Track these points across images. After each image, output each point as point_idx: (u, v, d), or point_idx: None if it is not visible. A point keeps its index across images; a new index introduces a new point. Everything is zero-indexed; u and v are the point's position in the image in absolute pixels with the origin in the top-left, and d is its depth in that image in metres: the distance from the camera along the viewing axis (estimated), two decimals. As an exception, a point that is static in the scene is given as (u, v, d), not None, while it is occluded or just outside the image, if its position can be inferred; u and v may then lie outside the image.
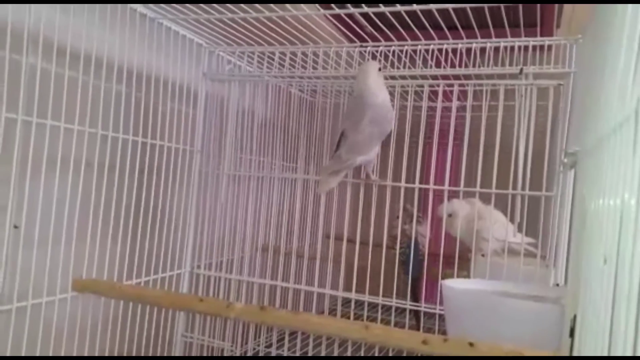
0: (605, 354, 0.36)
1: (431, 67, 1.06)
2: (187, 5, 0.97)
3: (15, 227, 0.80)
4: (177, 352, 1.20)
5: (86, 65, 0.88)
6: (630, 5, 0.35)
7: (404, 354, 1.13)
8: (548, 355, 0.56)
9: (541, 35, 1.01)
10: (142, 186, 1.02)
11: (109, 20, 0.92)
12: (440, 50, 1.03)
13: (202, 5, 0.97)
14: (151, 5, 0.99)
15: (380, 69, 1.01)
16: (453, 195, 1.08)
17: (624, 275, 0.32)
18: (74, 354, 0.90)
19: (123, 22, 0.95)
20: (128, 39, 0.96)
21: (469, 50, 1.02)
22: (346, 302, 1.17)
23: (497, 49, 1.00)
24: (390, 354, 1.15)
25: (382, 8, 0.90)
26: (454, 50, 1.03)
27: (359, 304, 1.13)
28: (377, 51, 1.09)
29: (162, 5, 0.98)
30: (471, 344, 0.59)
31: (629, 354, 0.31)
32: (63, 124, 0.84)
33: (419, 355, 0.70)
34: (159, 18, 1.03)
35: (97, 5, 0.90)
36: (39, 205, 0.81)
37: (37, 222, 0.81)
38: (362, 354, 1.15)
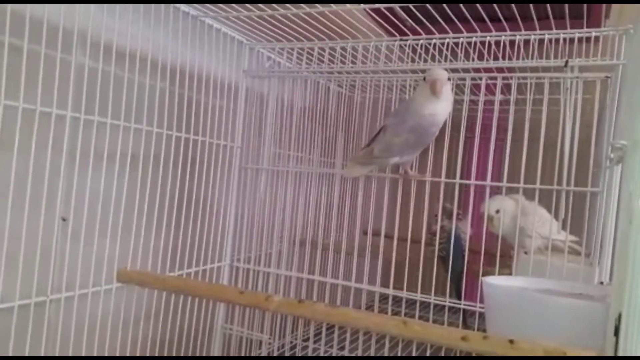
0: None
1: (473, 60, 1.04)
2: (229, 3, 0.99)
3: (63, 219, 0.83)
4: (216, 343, 1.22)
5: (131, 63, 0.90)
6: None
7: (442, 354, 1.12)
8: (592, 355, 0.54)
9: (588, 27, 0.98)
10: (185, 181, 1.05)
11: (153, 19, 0.94)
12: (482, 43, 1.01)
13: (242, 3, 0.98)
14: (194, 4, 1.01)
15: (424, 78, 0.97)
16: (495, 191, 1.06)
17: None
18: (118, 343, 0.93)
19: (166, 20, 0.97)
20: (171, 37, 0.98)
21: (512, 42, 0.99)
22: (383, 298, 1.17)
23: (541, 41, 0.97)
24: (428, 353, 1.14)
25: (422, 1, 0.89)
26: (497, 43, 1.00)
27: (397, 300, 1.12)
28: (417, 45, 1.07)
29: (205, 3, 0.99)
30: (511, 342, 0.58)
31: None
32: (109, 120, 0.87)
33: (456, 355, 0.69)
34: (201, 16, 1.05)
35: (142, 5, 0.92)
36: (86, 199, 0.85)
37: (85, 215, 0.85)
38: (400, 351, 1.14)
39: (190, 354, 1.12)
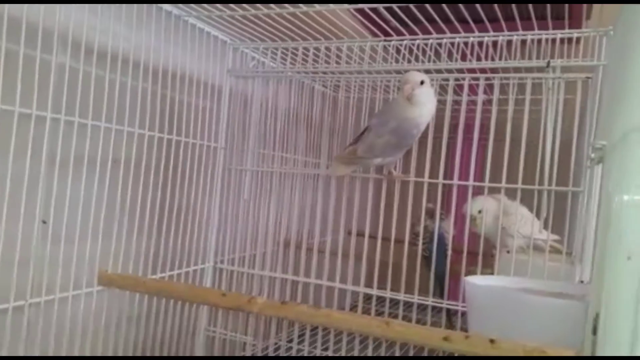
0: (628, 352, 0.35)
1: (456, 60, 1.05)
2: (212, 2, 0.98)
3: (44, 222, 0.82)
4: (199, 346, 1.21)
5: (113, 63, 0.89)
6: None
7: (425, 354, 1.12)
8: (571, 355, 0.55)
9: (569, 28, 0.99)
10: (168, 182, 1.04)
11: (135, 19, 0.93)
12: (465, 44, 1.02)
13: (226, 2, 0.97)
14: (177, 4, 1.00)
15: (422, 82, 0.96)
16: (477, 191, 1.07)
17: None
18: (100, 346, 0.92)
19: (149, 20, 0.96)
20: (154, 37, 0.97)
21: (495, 43, 1.00)
22: (368, 298, 1.17)
23: (524, 42, 0.98)
24: (411, 353, 1.14)
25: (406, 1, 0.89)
26: (480, 44, 1.01)
27: (381, 300, 1.12)
28: (401, 45, 1.08)
29: (188, 3, 0.99)
30: (492, 341, 0.58)
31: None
32: (90, 122, 0.86)
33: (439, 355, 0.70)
34: (184, 16, 1.04)
35: (124, 5, 0.91)
36: (67, 201, 0.83)
37: (65, 217, 0.83)
38: (383, 351, 1.15)
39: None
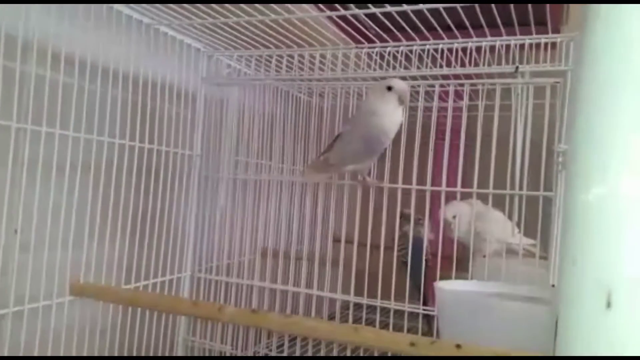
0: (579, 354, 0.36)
1: (427, 66, 1.06)
2: (182, 10, 0.98)
3: (15, 231, 0.81)
4: (178, 356, 1.20)
5: (81, 71, 0.88)
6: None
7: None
8: (533, 356, 0.55)
9: (544, 33, 1.00)
10: (141, 190, 1.03)
11: (105, 27, 0.92)
12: (435, 50, 1.03)
13: (197, 9, 0.97)
14: (146, 12, 0.99)
15: (390, 88, 0.96)
16: (451, 196, 1.07)
17: (587, 276, 0.32)
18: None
19: (119, 28, 0.95)
20: (124, 45, 0.96)
21: (464, 49, 1.01)
22: (346, 305, 1.17)
23: (492, 48, 0.99)
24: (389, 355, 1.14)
25: (374, 10, 0.90)
26: (450, 50, 1.02)
27: (359, 307, 1.12)
28: (373, 52, 1.08)
29: (157, 11, 0.98)
30: (458, 346, 0.58)
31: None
32: (58, 131, 0.85)
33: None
34: (155, 24, 1.04)
35: (92, 12, 0.90)
36: (35, 210, 0.82)
37: (33, 226, 0.82)
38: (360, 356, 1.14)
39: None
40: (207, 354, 1.23)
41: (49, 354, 0.86)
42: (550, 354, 0.57)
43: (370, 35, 1.06)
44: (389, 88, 0.95)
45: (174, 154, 1.12)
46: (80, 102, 0.88)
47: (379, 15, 0.92)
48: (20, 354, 0.82)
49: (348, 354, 1.12)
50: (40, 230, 0.84)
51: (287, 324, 0.71)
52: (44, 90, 0.82)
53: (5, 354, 0.80)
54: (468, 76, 1.06)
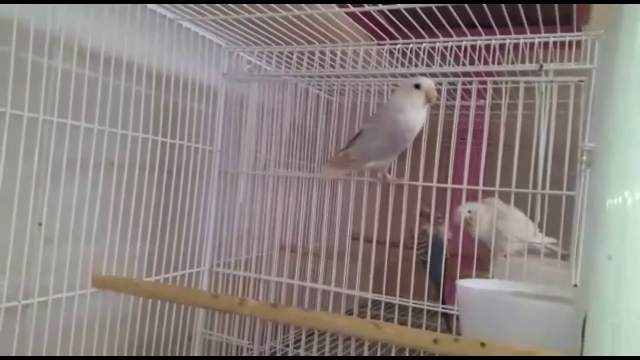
0: (609, 353, 0.35)
1: (449, 63, 1.05)
2: (206, 6, 0.98)
3: (40, 224, 0.82)
4: (196, 349, 1.21)
5: (106, 66, 0.89)
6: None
7: (420, 354, 1.12)
8: (560, 355, 0.54)
9: (568, 31, 0.99)
10: (163, 185, 1.04)
11: (129, 22, 0.93)
12: (459, 48, 1.02)
13: (219, 6, 0.97)
14: (170, 7, 1.00)
15: (417, 86, 0.96)
16: (472, 194, 1.07)
17: (627, 272, 0.32)
18: (94, 348, 0.92)
19: (143, 23, 0.96)
20: (148, 40, 0.97)
21: (487, 47, 1.00)
22: (364, 303, 1.16)
23: (517, 46, 0.98)
24: (407, 354, 1.14)
25: (398, 5, 0.89)
26: (473, 47, 1.01)
27: (376, 304, 1.12)
28: (395, 49, 1.08)
29: (181, 6, 0.99)
30: (483, 344, 0.58)
31: (633, 353, 0.30)
32: (83, 124, 0.86)
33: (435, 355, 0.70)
34: (178, 19, 1.05)
35: (117, 7, 0.91)
36: (60, 203, 0.83)
37: (58, 219, 0.84)
38: (379, 355, 1.14)
39: (168, 360, 1.11)
40: (224, 348, 1.24)
41: (70, 343, 0.88)
42: (575, 354, 0.56)
43: (393, 32, 1.05)
44: (417, 86, 0.95)
45: (195, 149, 1.13)
46: (105, 96, 0.89)
47: (403, 11, 0.92)
48: (44, 343, 0.83)
49: (365, 350, 1.12)
50: (65, 224, 0.85)
51: (308, 319, 0.71)
52: (70, 84, 0.83)
53: (30, 342, 0.81)
54: (490, 74, 1.05)
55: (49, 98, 0.81)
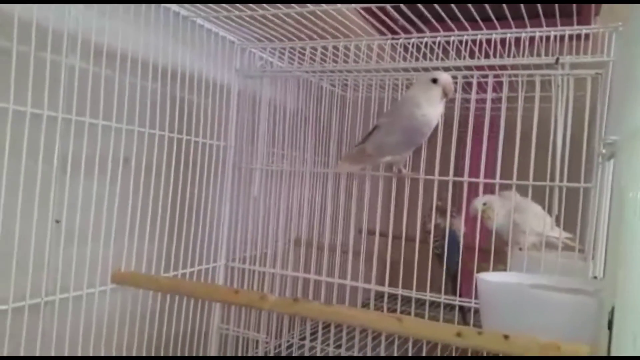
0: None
1: (464, 57, 1.05)
2: (219, 3, 0.98)
3: (57, 221, 0.83)
4: (213, 344, 1.22)
5: (122, 64, 0.90)
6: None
7: (437, 353, 1.12)
8: (585, 351, 0.54)
9: (578, 24, 0.99)
10: (178, 181, 1.05)
11: (144, 20, 0.94)
12: (474, 41, 1.02)
13: (233, 2, 0.98)
14: (184, 4, 1.00)
15: (435, 80, 0.96)
16: (488, 188, 1.06)
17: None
18: (114, 344, 0.93)
19: (157, 21, 0.97)
20: (162, 37, 0.98)
21: (503, 40, 1.00)
22: (380, 296, 1.17)
23: (532, 39, 0.97)
24: (424, 352, 1.14)
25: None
26: (488, 41, 1.01)
27: (393, 298, 1.12)
28: (409, 43, 1.08)
29: (195, 3, 0.99)
30: (506, 337, 0.58)
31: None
32: (101, 122, 0.87)
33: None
34: (192, 16, 1.05)
35: (132, 7, 0.92)
36: (79, 201, 0.84)
37: (77, 217, 0.84)
38: (395, 350, 1.15)
39: (187, 355, 1.12)
40: (240, 342, 1.25)
41: (91, 338, 0.89)
42: (600, 345, 0.56)
43: (407, 26, 1.05)
44: (434, 80, 0.95)
45: (209, 146, 1.14)
46: (121, 94, 0.90)
47: (419, 5, 0.91)
48: (66, 338, 0.85)
49: (382, 341, 1.12)
50: (84, 221, 0.86)
51: (329, 313, 0.71)
52: (87, 82, 0.84)
53: (54, 338, 0.82)
54: (504, 67, 1.04)
55: (68, 97, 0.81)
